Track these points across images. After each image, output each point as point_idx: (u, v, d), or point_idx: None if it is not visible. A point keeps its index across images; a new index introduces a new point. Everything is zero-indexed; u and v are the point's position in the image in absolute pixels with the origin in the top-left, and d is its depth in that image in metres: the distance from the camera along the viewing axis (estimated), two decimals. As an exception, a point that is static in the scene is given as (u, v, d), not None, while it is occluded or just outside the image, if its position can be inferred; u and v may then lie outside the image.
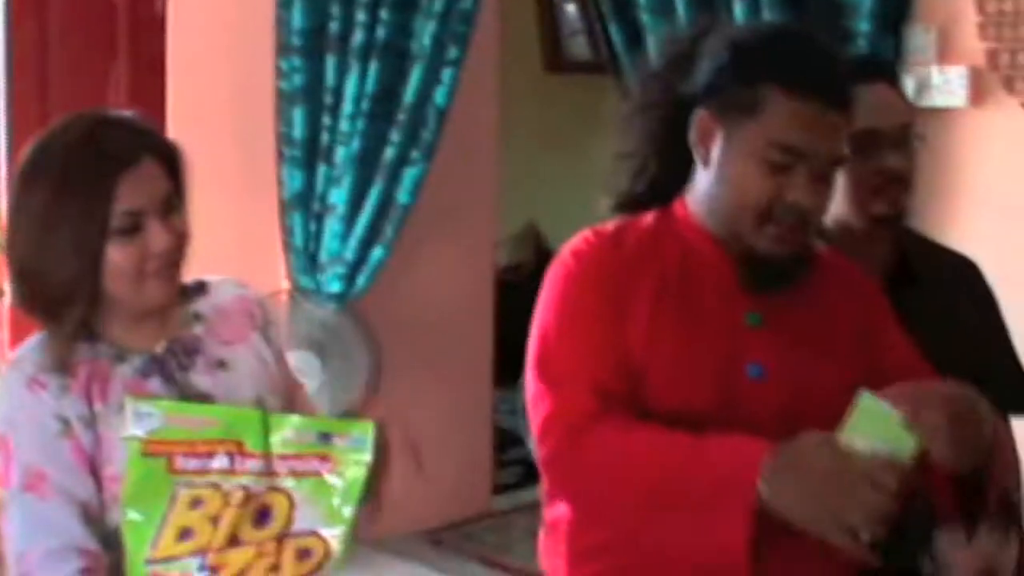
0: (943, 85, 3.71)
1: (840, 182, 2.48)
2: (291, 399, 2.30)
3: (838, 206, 2.55)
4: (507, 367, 4.91)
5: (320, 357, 4.61)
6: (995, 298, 2.73)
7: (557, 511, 2.28)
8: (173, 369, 2.16)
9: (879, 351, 2.22)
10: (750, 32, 2.38)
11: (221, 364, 2.21)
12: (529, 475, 5.11)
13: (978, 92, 3.71)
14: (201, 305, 2.25)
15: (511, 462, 5.65)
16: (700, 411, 2.11)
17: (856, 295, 2.28)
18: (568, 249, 2.24)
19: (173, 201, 2.12)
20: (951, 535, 2.45)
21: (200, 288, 2.26)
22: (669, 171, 2.28)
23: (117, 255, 2.05)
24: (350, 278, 4.73)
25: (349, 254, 4.74)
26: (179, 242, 2.12)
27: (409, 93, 4.61)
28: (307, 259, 4.90)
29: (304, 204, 4.85)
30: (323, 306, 4.74)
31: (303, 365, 4.38)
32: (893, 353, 2.24)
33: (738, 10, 3.76)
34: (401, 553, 4.80)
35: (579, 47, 4.63)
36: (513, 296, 4.72)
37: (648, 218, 2.26)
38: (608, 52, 4.16)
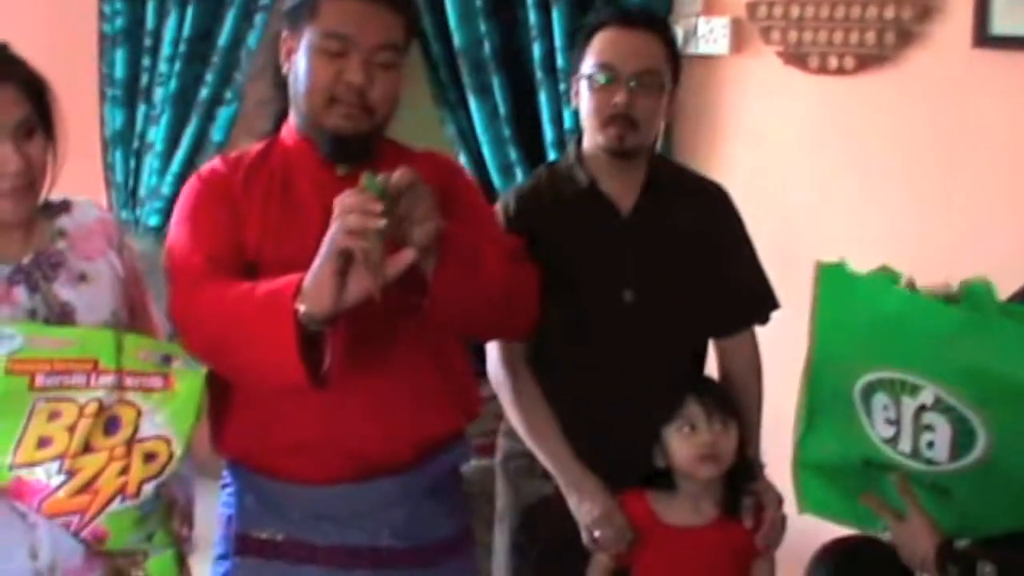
0: (707, 34, 3.88)
1: (585, 110, 2.78)
2: (140, 314, 2.40)
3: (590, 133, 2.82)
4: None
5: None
6: (740, 217, 2.96)
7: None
8: (38, 279, 2.22)
9: (452, 214, 2.38)
10: None
11: (82, 277, 2.27)
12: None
13: (739, 41, 3.88)
14: (65, 222, 2.30)
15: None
16: None
17: (437, 173, 2.46)
18: (196, 173, 2.52)
19: (31, 127, 2.16)
20: (678, 428, 2.73)
21: (64, 206, 2.32)
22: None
23: None
24: (167, 212, 4.67)
25: (166, 189, 4.81)
26: (30, 166, 2.15)
27: (224, 36, 4.67)
28: (127, 194, 4.97)
29: (125, 142, 4.93)
30: (142, 238, 4.77)
31: None
32: (460, 221, 2.40)
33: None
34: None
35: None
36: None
37: (264, 142, 2.55)
38: None
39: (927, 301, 2.19)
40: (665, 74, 2.78)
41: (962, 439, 2.17)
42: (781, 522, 2.81)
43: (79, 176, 4.69)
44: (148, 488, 2.15)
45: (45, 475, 2.08)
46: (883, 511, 2.36)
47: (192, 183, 2.49)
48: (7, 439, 2.07)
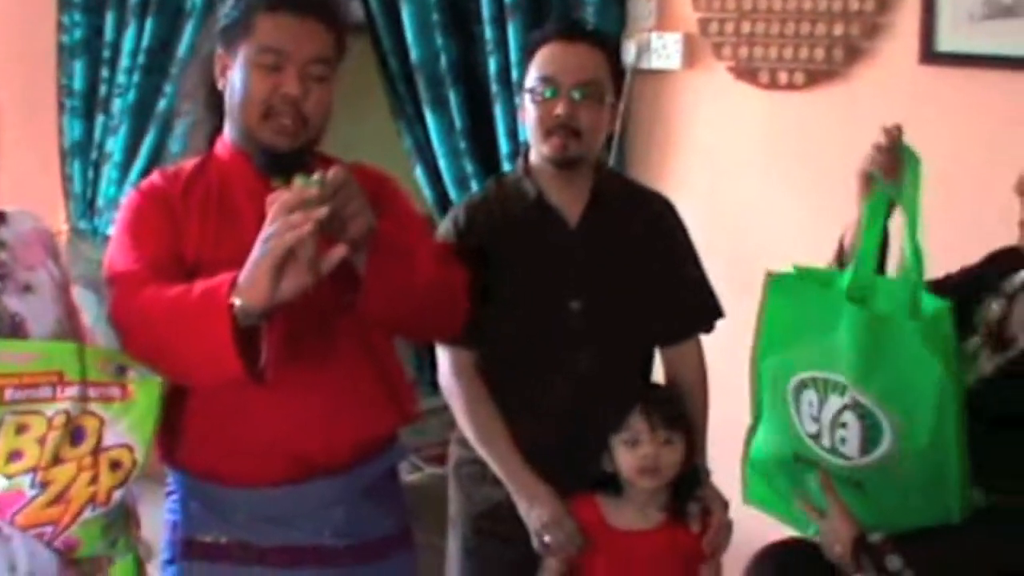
0: (661, 49, 3.92)
1: (529, 123, 2.84)
2: (73, 317, 2.40)
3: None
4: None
5: (96, 294, 4.68)
6: (685, 227, 3.02)
7: None
8: None
9: (382, 216, 2.43)
10: None
11: (27, 287, 2.27)
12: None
13: (691, 56, 3.93)
14: (3, 233, 2.28)
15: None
16: None
17: (367, 181, 2.48)
18: (135, 187, 2.60)
19: None
20: (623, 440, 2.79)
21: (1, 218, 2.30)
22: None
23: None
24: (127, 221, 4.81)
25: (124, 199, 4.83)
26: None
27: (182, 48, 4.70)
28: (85, 204, 5.00)
29: (83, 152, 4.96)
30: (100, 247, 4.82)
31: (82, 301, 4.44)
32: (393, 224, 2.47)
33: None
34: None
35: (356, 10, 4.73)
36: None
37: (198, 157, 2.62)
38: (365, 14, 4.32)
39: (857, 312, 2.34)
40: (606, 86, 2.83)
41: (871, 435, 2.31)
42: (727, 527, 2.88)
43: (37, 186, 4.76)
44: (117, 495, 2.18)
45: (18, 488, 2.10)
46: (809, 509, 2.47)
47: (132, 197, 2.56)
48: None
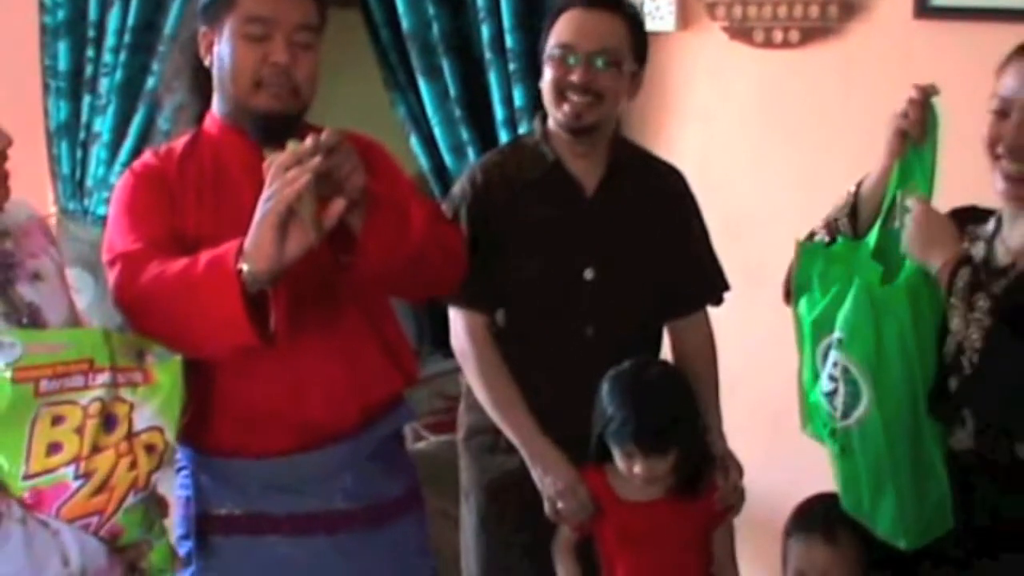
0: (654, 11, 3.98)
1: (545, 88, 2.90)
2: (75, 308, 2.42)
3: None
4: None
5: (92, 274, 4.75)
6: (696, 200, 3.09)
7: None
8: (2, 281, 2.22)
9: (374, 177, 2.52)
10: None
11: (37, 275, 2.28)
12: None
13: (685, 18, 3.99)
14: (4, 221, 2.28)
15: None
16: None
17: (357, 145, 2.51)
18: (129, 169, 2.66)
19: None
20: (618, 450, 2.82)
21: None
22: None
23: None
24: (117, 201, 4.85)
25: (114, 179, 4.79)
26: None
27: (169, 25, 4.72)
28: (74, 185, 5.04)
29: (70, 133, 4.98)
30: (92, 227, 4.86)
31: (78, 282, 4.49)
32: (385, 185, 2.56)
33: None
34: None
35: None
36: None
37: (187, 135, 2.69)
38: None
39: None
40: (625, 54, 2.89)
41: (851, 399, 2.39)
42: (740, 489, 2.94)
43: (24, 169, 4.81)
44: (155, 478, 2.23)
45: (61, 480, 2.12)
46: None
47: (127, 178, 2.61)
48: (17, 451, 2.10)
